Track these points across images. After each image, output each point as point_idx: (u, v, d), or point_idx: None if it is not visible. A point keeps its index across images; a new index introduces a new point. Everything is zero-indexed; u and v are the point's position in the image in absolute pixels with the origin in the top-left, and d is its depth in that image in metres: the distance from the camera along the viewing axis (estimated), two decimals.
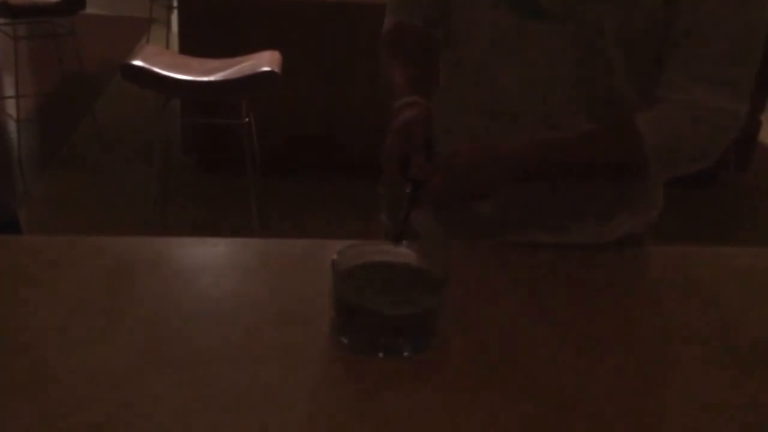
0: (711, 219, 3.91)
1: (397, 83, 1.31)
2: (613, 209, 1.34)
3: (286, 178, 3.94)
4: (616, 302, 1.20)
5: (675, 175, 1.24)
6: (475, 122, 1.31)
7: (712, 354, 1.10)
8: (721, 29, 1.13)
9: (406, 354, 1.02)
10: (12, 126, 4.02)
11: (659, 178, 1.22)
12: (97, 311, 1.08)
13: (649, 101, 1.20)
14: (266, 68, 3.13)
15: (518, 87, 1.24)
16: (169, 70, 3.12)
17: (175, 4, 4.94)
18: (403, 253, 1.08)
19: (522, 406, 0.96)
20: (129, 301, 1.11)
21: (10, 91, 4.16)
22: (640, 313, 1.19)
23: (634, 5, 1.14)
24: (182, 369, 0.98)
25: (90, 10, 4.70)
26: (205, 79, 3.15)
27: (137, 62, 3.11)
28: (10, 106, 4.13)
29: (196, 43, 3.72)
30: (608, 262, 1.30)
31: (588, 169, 1.23)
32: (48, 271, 1.18)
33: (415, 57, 1.36)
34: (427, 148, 1.15)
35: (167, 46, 5.55)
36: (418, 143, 1.15)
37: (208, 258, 1.24)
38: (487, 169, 1.17)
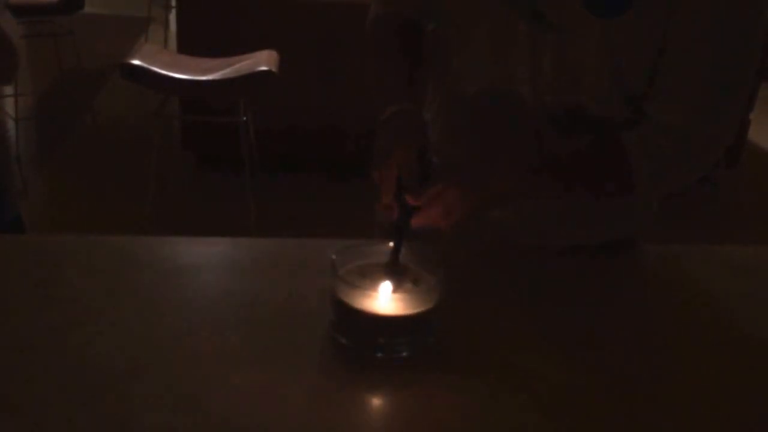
0: (701, 216, 3.92)
1: (387, 84, 1.30)
2: (607, 214, 1.35)
3: (284, 177, 3.94)
4: (611, 302, 1.21)
5: (660, 193, 1.25)
6: (471, 133, 1.32)
7: (706, 351, 1.11)
8: (711, 55, 1.13)
9: (404, 354, 1.02)
10: (10, 124, 4.01)
11: (644, 197, 1.23)
12: (94, 310, 1.08)
13: (638, 118, 1.20)
14: (264, 67, 3.13)
15: (517, 96, 1.24)
16: (167, 69, 3.12)
17: (174, 3, 4.94)
18: (402, 254, 1.08)
19: (520, 405, 0.96)
20: (126, 300, 1.11)
21: (8, 89, 4.15)
22: (635, 312, 1.20)
23: (638, 23, 1.14)
24: (180, 368, 0.98)
25: (88, 9, 4.71)
26: (203, 78, 3.15)
27: (136, 61, 3.11)
28: (9, 105, 4.13)
29: (194, 43, 3.72)
30: (603, 262, 1.30)
31: (577, 189, 1.24)
32: (46, 269, 1.18)
33: (405, 53, 1.34)
34: (422, 164, 1.16)
35: (165, 46, 5.54)
36: (411, 173, 1.14)
37: (207, 257, 1.24)
38: (475, 205, 1.17)
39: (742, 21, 1.12)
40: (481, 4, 1.22)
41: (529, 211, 1.32)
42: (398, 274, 1.06)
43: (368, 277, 1.06)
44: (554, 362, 1.05)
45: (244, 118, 3.37)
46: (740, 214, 4.13)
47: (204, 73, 3.18)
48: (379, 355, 1.02)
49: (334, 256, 1.04)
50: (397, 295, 1.02)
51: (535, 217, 1.32)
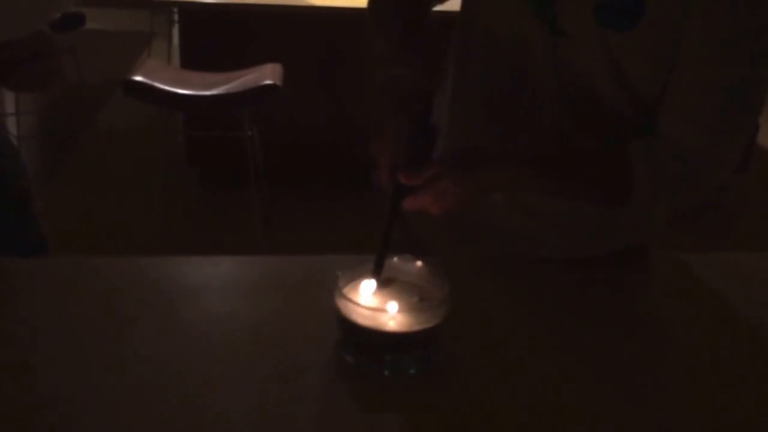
0: (710, 221, 3.90)
1: (383, 49, 1.27)
2: (616, 225, 1.33)
3: (290, 190, 3.93)
4: (622, 313, 1.19)
5: (659, 207, 1.23)
6: (481, 121, 1.31)
7: (719, 361, 1.09)
8: (721, 79, 1.12)
9: (412, 371, 1.00)
10: (13, 142, 4.00)
11: (642, 209, 1.21)
12: (97, 333, 1.07)
13: (647, 128, 1.19)
14: (268, 81, 3.12)
15: (530, 100, 1.24)
16: (170, 85, 3.12)
17: (176, 18, 4.94)
18: (407, 270, 1.07)
19: (531, 420, 0.95)
20: (130, 322, 1.10)
21: (10, 107, 4.16)
22: (647, 322, 1.18)
23: (644, 37, 1.13)
24: (186, 390, 0.97)
25: (90, 25, 4.70)
26: (207, 93, 3.14)
27: (138, 77, 3.11)
28: (11, 123, 4.13)
29: (197, 57, 3.72)
30: (613, 272, 1.29)
31: (574, 191, 1.22)
32: (47, 292, 1.16)
33: (403, 22, 1.31)
34: (421, 136, 1.13)
35: (169, 60, 5.55)
36: (402, 150, 1.12)
37: (210, 277, 1.23)
38: (470, 194, 1.15)
39: (754, 46, 1.11)
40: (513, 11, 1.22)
41: (537, 222, 1.31)
42: (404, 290, 1.04)
43: (373, 293, 1.04)
44: (565, 375, 1.03)
45: (249, 133, 3.36)
46: (750, 219, 4.11)
47: (208, 87, 3.18)
48: (386, 373, 1.00)
49: (339, 274, 1.02)
50: (403, 312, 1.00)
51: (544, 229, 1.31)
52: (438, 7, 1.41)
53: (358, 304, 0.99)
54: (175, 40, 5.32)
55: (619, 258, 1.33)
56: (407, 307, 1.02)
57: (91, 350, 1.04)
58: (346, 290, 1.02)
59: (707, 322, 1.19)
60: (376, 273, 1.06)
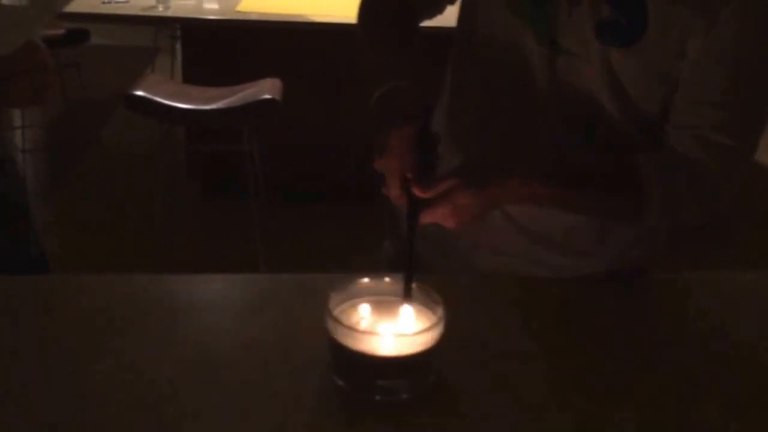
0: (709, 237, 3.86)
1: (377, 63, 1.27)
2: (617, 244, 1.31)
3: (290, 205, 3.93)
4: (618, 333, 1.17)
5: (667, 224, 1.21)
6: (486, 130, 1.29)
7: (716, 380, 1.08)
8: (726, 98, 1.11)
9: (404, 396, 0.98)
10: (18, 156, 4.02)
11: (651, 224, 1.20)
12: (89, 351, 1.05)
13: (654, 144, 1.18)
14: (267, 96, 3.12)
15: (529, 116, 1.22)
16: (171, 99, 3.12)
17: (180, 33, 4.95)
18: (399, 291, 1.05)
19: None
20: (122, 341, 1.08)
21: (16, 121, 4.17)
22: (643, 342, 1.16)
23: (645, 55, 1.11)
24: (174, 413, 0.95)
25: (95, 40, 4.72)
26: (207, 107, 3.15)
27: (139, 92, 3.11)
28: (16, 137, 4.14)
29: (199, 72, 3.72)
30: (610, 292, 1.27)
31: (589, 205, 1.20)
32: (40, 310, 1.15)
33: (400, 34, 1.31)
34: (424, 147, 1.11)
35: (172, 75, 5.56)
36: (411, 163, 1.10)
37: (202, 296, 1.21)
38: (485, 208, 1.13)
39: (759, 61, 1.10)
40: (498, 16, 1.20)
41: (534, 241, 1.29)
42: (396, 312, 1.02)
43: (365, 315, 1.02)
44: (561, 398, 1.01)
45: (249, 147, 3.36)
46: (750, 236, 4.07)
47: (208, 102, 3.19)
48: (378, 397, 0.98)
49: (330, 294, 1.00)
50: (395, 335, 0.98)
51: (541, 248, 1.29)
52: (435, 23, 1.40)
53: (348, 327, 0.96)
54: (179, 55, 5.32)
55: (617, 277, 1.31)
56: (400, 330, 1.00)
57: (83, 368, 1.02)
58: (336, 312, 0.99)
59: (705, 341, 1.17)
60: (406, 297, 1.03)
